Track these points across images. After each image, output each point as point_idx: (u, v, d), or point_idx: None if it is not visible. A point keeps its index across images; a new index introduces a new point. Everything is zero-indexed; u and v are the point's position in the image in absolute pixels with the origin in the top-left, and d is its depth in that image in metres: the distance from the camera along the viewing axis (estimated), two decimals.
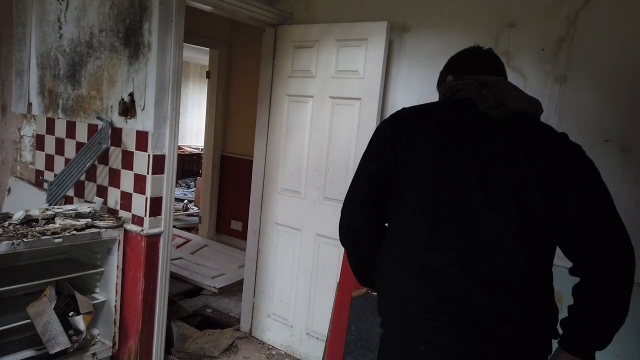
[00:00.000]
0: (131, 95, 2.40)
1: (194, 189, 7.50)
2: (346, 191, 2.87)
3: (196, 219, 5.67)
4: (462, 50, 1.46)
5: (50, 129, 2.83)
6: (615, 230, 1.13)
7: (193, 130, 9.80)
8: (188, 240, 4.87)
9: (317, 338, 2.85)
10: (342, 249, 2.67)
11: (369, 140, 1.38)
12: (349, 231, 1.37)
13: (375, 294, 2.44)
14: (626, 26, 2.07)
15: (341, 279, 2.61)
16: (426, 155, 1.21)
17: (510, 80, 2.41)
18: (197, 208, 6.28)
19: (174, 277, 3.79)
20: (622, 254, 1.12)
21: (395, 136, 1.27)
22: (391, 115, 1.36)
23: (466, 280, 1.12)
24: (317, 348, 2.82)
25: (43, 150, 2.90)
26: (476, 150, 1.17)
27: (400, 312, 1.21)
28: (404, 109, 1.36)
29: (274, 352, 2.99)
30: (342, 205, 1.40)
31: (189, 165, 8.78)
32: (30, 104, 2.95)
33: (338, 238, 2.74)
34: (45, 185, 2.68)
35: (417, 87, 2.59)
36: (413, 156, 1.23)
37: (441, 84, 1.46)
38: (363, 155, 1.36)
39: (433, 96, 2.66)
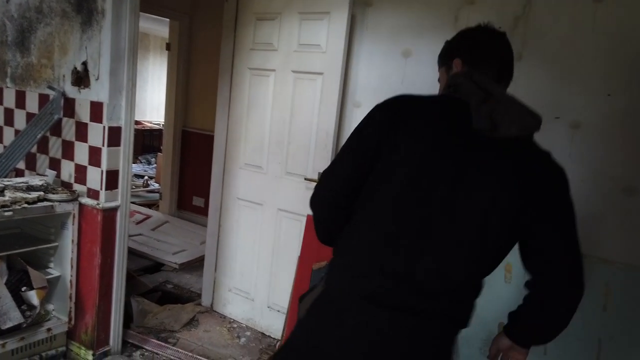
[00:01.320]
0: (84, 64, 2.31)
1: (155, 165, 7.34)
2: (308, 166, 2.87)
3: (157, 195, 5.57)
4: (475, 30, 1.33)
5: None
6: (575, 263, 1.18)
7: (154, 105, 9.53)
8: (148, 217, 4.79)
9: (278, 311, 2.89)
10: (304, 224, 2.70)
11: (362, 118, 1.30)
12: (319, 207, 1.35)
13: None
14: (576, 6, 2.14)
15: (302, 253, 2.64)
16: (408, 158, 1.19)
17: None
18: (157, 184, 6.16)
19: (134, 254, 3.74)
20: (579, 285, 1.18)
21: (384, 129, 1.23)
22: (387, 103, 1.28)
23: (405, 284, 1.17)
24: (278, 320, 2.86)
25: None
26: (457, 165, 1.16)
27: (342, 289, 1.24)
28: (402, 97, 1.28)
29: (235, 326, 3.02)
30: (319, 179, 1.37)
31: (149, 141, 8.56)
32: None
33: (299, 212, 2.78)
34: None
35: (379, 62, 2.61)
36: (397, 154, 1.20)
37: (444, 59, 1.38)
38: (351, 137, 1.30)
39: (394, 71, 2.69)
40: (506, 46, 1.31)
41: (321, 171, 2.57)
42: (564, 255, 1.17)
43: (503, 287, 2.32)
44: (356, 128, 1.30)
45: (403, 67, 2.55)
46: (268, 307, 2.94)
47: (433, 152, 1.18)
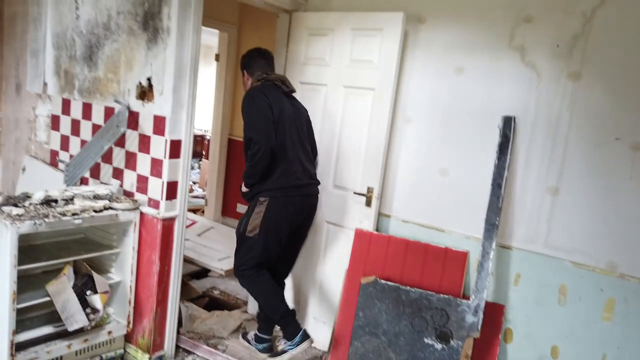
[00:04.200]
0: (149, 79, 2.42)
1: (198, 170, 7.52)
2: (357, 180, 2.91)
3: (201, 200, 5.72)
4: (258, 53, 2.69)
5: (66, 109, 2.86)
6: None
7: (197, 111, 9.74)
8: (194, 222, 4.92)
9: (324, 322, 2.92)
10: (351, 237, 2.72)
11: (256, 107, 2.46)
12: (268, 154, 2.39)
13: (383, 281, 2.52)
14: (638, 24, 2.09)
15: (350, 266, 2.67)
16: (280, 114, 2.47)
17: (523, 76, 2.48)
18: (201, 190, 6.32)
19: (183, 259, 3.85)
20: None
21: (268, 102, 2.44)
22: (258, 91, 2.49)
23: (306, 178, 2.62)
24: (323, 332, 2.89)
25: (58, 131, 2.93)
26: (292, 111, 2.56)
27: (284, 187, 2.51)
28: (259, 88, 2.51)
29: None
30: (257, 135, 2.42)
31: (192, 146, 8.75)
32: (45, 84, 2.96)
33: (346, 225, 2.80)
34: (61, 165, 2.72)
35: (431, 79, 2.62)
36: (275, 114, 2.44)
37: (252, 67, 2.67)
38: (259, 110, 2.42)
39: (445, 87, 2.68)
40: (270, 59, 2.72)
41: (371, 185, 2.63)
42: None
43: (557, 309, 2.27)
44: (256, 106, 2.44)
45: (455, 84, 2.55)
46: (314, 318, 2.98)
47: (285, 107, 2.52)
